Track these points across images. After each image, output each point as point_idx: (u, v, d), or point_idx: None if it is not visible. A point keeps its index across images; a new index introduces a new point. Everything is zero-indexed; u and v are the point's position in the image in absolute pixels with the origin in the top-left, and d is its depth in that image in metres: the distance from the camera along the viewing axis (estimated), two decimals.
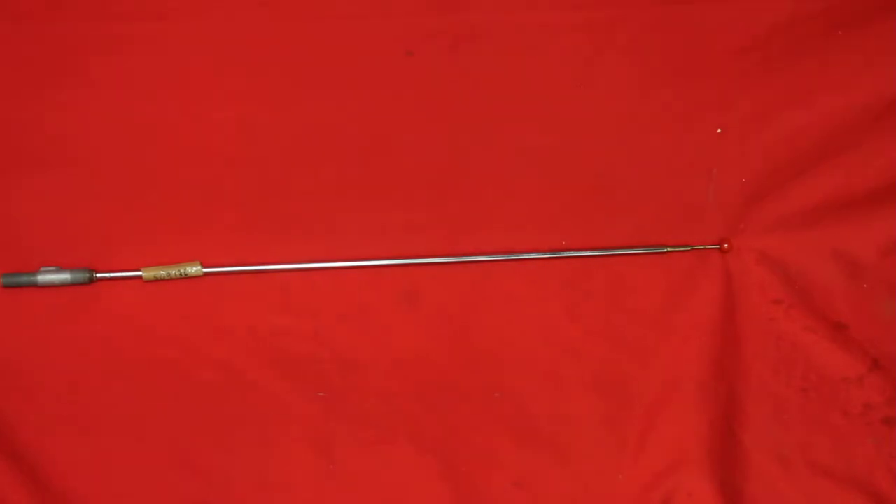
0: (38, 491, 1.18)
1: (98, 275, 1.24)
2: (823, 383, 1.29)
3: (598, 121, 1.32)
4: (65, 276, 1.23)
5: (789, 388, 1.29)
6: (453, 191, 1.31)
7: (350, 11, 1.28)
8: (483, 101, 1.31)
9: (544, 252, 1.30)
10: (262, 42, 1.27)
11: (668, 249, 1.31)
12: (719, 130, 1.32)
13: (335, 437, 1.24)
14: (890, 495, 1.25)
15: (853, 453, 1.27)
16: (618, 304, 1.31)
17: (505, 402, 1.27)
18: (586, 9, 1.30)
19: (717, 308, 1.30)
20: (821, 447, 1.27)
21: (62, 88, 1.26)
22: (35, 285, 1.23)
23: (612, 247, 1.31)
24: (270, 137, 1.28)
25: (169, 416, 1.23)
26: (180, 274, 1.25)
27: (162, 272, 1.25)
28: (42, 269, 1.23)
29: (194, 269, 1.25)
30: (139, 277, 1.24)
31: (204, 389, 1.24)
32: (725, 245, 1.31)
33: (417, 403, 1.26)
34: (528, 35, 1.30)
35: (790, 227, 1.32)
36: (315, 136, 1.29)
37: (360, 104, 1.29)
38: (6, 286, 1.22)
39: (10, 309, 1.23)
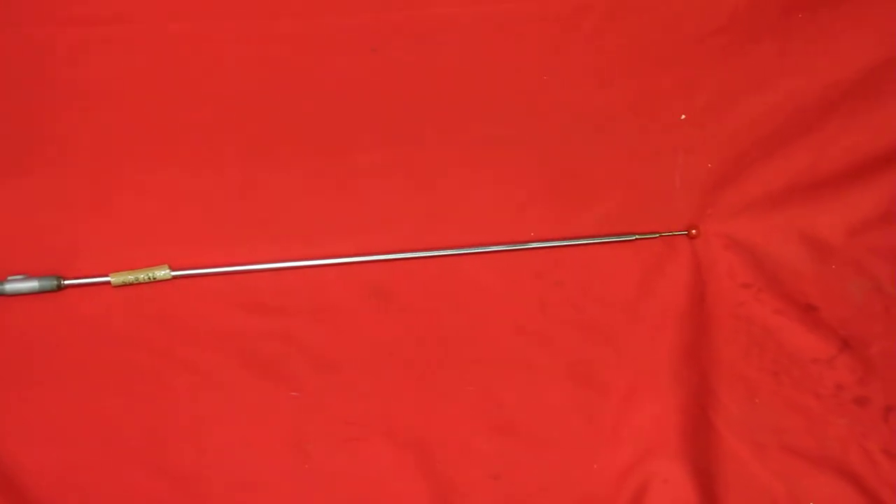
0: (10, 497, 1.17)
1: (66, 281, 1.23)
2: (794, 365, 1.30)
3: (564, 109, 1.32)
4: (33, 284, 1.22)
5: (761, 372, 1.30)
6: (420, 185, 1.30)
7: (313, 9, 1.27)
8: (447, 93, 1.30)
9: (513, 243, 1.30)
10: (225, 43, 1.27)
11: (637, 237, 1.31)
12: (683, 117, 1.32)
13: (310, 436, 1.24)
14: (863, 474, 1.26)
15: (826, 434, 1.27)
16: (588, 292, 1.31)
17: (479, 394, 1.27)
18: None
19: (687, 294, 1.31)
20: (793, 429, 1.27)
21: (27, 95, 1.25)
22: (3, 294, 1.22)
23: (581, 236, 1.31)
24: (234, 138, 1.28)
25: (142, 419, 1.22)
26: (149, 278, 1.24)
27: (130, 277, 1.24)
28: (9, 277, 1.22)
29: (163, 273, 1.25)
30: (108, 283, 1.24)
31: (177, 392, 1.24)
32: (693, 231, 1.32)
33: (391, 399, 1.26)
34: (492, 25, 1.30)
35: (757, 210, 1.32)
36: (279, 134, 1.28)
37: (324, 102, 1.29)
38: None
39: None
